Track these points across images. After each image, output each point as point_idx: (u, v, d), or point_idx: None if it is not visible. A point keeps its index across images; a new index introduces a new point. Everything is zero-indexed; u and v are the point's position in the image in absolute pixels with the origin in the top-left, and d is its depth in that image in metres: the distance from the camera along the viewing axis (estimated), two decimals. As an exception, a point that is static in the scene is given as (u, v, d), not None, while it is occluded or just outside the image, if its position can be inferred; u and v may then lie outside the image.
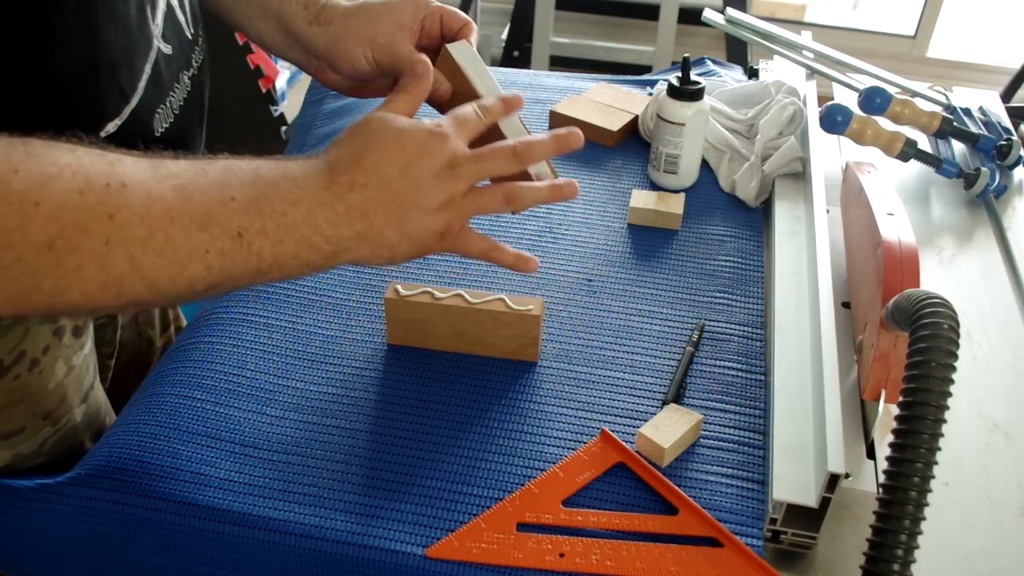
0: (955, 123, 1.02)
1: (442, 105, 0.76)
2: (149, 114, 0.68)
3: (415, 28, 0.75)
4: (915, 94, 1.12)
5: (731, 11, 1.22)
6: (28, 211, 0.48)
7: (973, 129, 1.03)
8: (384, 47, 0.74)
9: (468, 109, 0.67)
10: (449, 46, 0.73)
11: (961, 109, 1.07)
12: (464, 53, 0.73)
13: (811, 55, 1.18)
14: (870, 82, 1.13)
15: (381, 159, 0.61)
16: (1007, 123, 1.07)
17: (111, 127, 0.65)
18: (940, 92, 1.17)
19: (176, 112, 0.72)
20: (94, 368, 0.81)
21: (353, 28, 0.75)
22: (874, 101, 1.00)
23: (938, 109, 1.07)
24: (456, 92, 0.74)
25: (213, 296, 0.63)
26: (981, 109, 1.09)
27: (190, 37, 0.74)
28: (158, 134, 0.70)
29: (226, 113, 2.03)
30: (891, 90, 1.02)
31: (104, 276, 0.52)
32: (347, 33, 0.76)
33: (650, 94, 1.18)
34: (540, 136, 0.67)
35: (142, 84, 0.67)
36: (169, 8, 0.71)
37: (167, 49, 0.70)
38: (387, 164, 0.61)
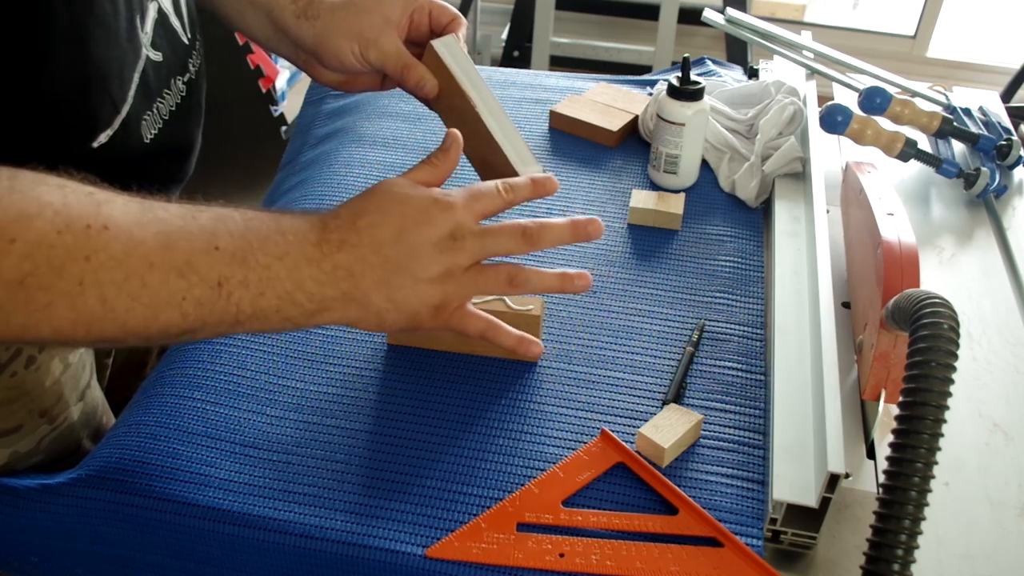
0: (955, 123, 1.02)
1: (430, 102, 0.76)
2: (137, 122, 0.68)
3: (403, 23, 0.74)
4: (915, 94, 1.12)
5: (731, 11, 1.22)
6: (2, 247, 0.48)
7: (973, 129, 1.03)
8: (371, 42, 0.74)
9: (490, 186, 0.64)
10: (434, 42, 0.72)
11: (961, 109, 1.07)
12: (450, 49, 0.72)
13: (811, 55, 1.18)
14: (870, 82, 1.13)
15: (377, 221, 0.60)
16: (1007, 123, 1.07)
17: (103, 138, 0.65)
18: (940, 92, 1.17)
19: (165, 118, 0.72)
20: (91, 366, 0.81)
21: (340, 22, 0.75)
22: (874, 101, 1.00)
23: (938, 109, 1.07)
24: (443, 89, 0.74)
25: (188, 340, 0.61)
26: (981, 109, 1.09)
27: (186, 42, 0.74)
28: (147, 141, 0.69)
29: (226, 113, 2.03)
30: (891, 90, 1.02)
31: (75, 315, 0.51)
32: (334, 27, 0.75)
33: (650, 94, 1.18)
34: (558, 221, 0.64)
35: (131, 94, 0.67)
36: (161, 15, 0.71)
37: (156, 56, 0.70)
38: (383, 227, 0.60)
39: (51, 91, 0.60)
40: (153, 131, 0.70)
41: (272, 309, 0.57)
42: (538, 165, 0.71)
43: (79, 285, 0.51)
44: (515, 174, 0.69)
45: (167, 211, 0.55)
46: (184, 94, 0.74)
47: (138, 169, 0.69)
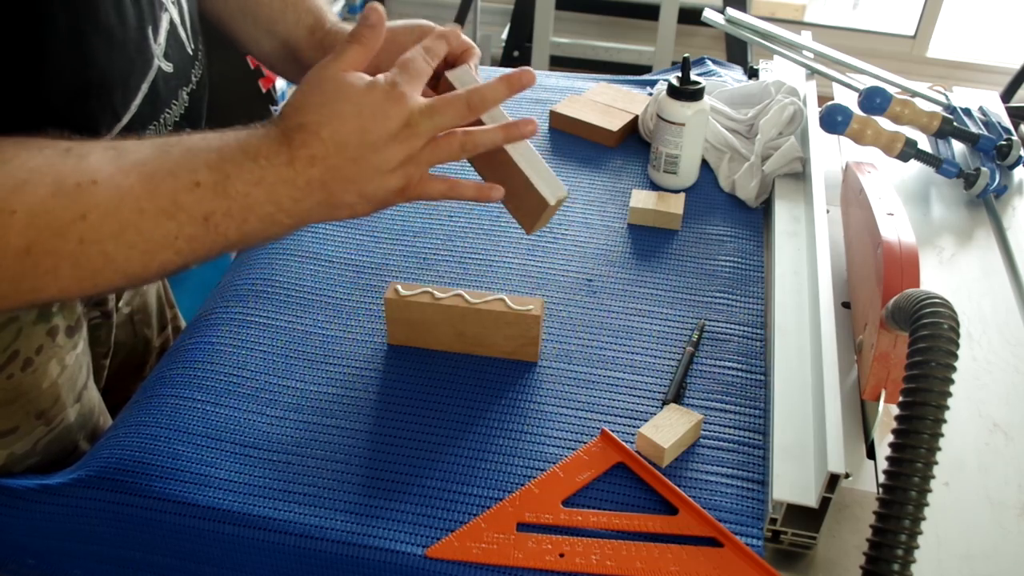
0: (955, 123, 1.02)
1: None
2: (142, 130, 0.68)
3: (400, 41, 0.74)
4: (915, 94, 1.12)
5: (731, 11, 1.22)
6: (4, 220, 0.51)
7: (973, 129, 1.03)
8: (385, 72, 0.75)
9: (415, 55, 0.66)
10: (448, 73, 0.73)
11: (961, 109, 1.07)
12: (464, 79, 0.73)
13: (811, 55, 1.18)
14: (870, 82, 1.13)
15: (339, 127, 0.62)
16: (1007, 123, 1.07)
17: None
18: (940, 92, 1.17)
19: (170, 127, 0.72)
20: (88, 368, 0.81)
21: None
22: (874, 101, 1.00)
23: (938, 109, 1.07)
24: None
25: (183, 271, 0.64)
26: (981, 109, 1.09)
27: (190, 53, 0.74)
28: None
29: (226, 113, 2.03)
30: (891, 90, 1.02)
31: (79, 272, 0.54)
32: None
33: (650, 94, 1.18)
34: (491, 82, 0.67)
35: (136, 103, 0.67)
36: (172, 26, 0.71)
37: (168, 67, 0.70)
38: (345, 132, 0.62)
39: (49, 95, 0.60)
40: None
41: (257, 231, 0.61)
42: (564, 190, 0.72)
43: (80, 243, 0.53)
44: (542, 200, 0.70)
45: (140, 151, 0.57)
46: (187, 104, 0.75)
47: None
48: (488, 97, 0.66)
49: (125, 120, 0.66)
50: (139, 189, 0.55)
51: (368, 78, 0.64)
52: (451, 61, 0.75)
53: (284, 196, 0.61)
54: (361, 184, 0.63)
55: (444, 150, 0.66)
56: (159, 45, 0.69)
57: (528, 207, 0.71)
